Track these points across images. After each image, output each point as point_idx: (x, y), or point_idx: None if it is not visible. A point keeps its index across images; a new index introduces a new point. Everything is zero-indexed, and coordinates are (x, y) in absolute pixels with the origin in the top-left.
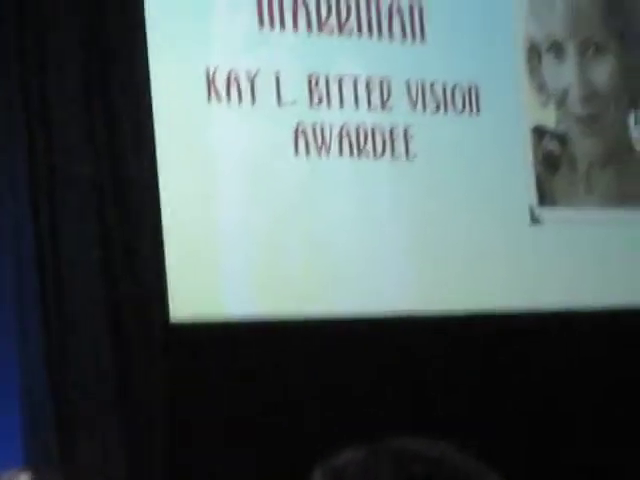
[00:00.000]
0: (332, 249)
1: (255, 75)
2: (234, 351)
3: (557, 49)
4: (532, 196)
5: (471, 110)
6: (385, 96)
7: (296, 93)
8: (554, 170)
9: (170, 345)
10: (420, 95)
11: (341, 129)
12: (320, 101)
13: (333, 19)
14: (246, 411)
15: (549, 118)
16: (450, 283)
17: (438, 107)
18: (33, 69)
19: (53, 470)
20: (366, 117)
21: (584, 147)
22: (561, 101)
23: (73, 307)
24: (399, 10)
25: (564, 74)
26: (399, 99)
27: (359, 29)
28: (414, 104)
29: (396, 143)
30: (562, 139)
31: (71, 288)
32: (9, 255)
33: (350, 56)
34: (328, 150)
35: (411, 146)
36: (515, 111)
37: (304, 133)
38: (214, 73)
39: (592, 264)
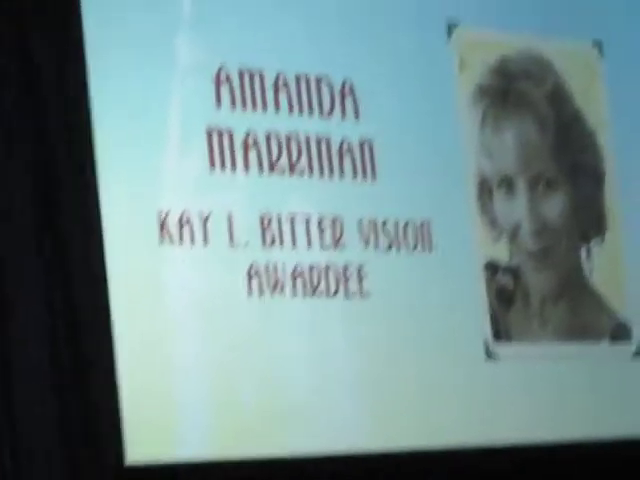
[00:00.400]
0: (287, 388)
1: (207, 217)
2: None
3: (508, 184)
4: (487, 331)
5: (424, 247)
6: (337, 235)
7: (249, 234)
8: (508, 305)
9: None
10: (372, 233)
11: (294, 269)
12: (273, 241)
13: (284, 160)
14: None
15: (502, 253)
16: (405, 420)
17: (391, 245)
18: None
19: None
20: (319, 256)
21: (537, 281)
22: (513, 236)
23: (28, 455)
24: (350, 149)
25: (515, 209)
26: (352, 237)
27: (310, 169)
28: (367, 242)
29: (350, 281)
30: (515, 274)
31: (23, 433)
32: None
33: (302, 196)
34: (282, 290)
35: (364, 284)
36: (468, 247)
37: (257, 273)
38: (166, 215)
39: (548, 398)
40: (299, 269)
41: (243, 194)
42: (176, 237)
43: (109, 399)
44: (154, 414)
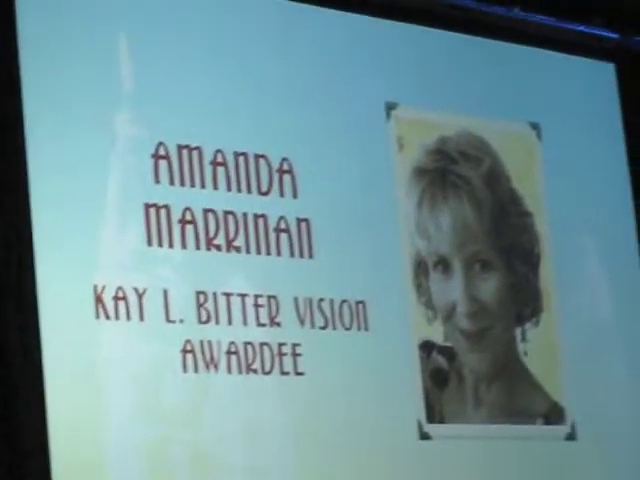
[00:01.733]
0: (221, 467)
1: (143, 292)
2: None
3: (444, 265)
4: (420, 411)
5: (359, 326)
6: (273, 313)
7: (184, 310)
8: (442, 385)
9: None
10: (308, 311)
11: (229, 346)
12: (208, 318)
13: (221, 236)
14: None
15: (436, 333)
16: None
17: (326, 323)
18: None
19: None
20: (254, 334)
21: (472, 362)
22: (448, 316)
23: None
24: (287, 227)
25: (451, 290)
26: (287, 316)
27: (247, 247)
28: (302, 321)
29: (284, 359)
30: (450, 354)
31: None
32: None
33: (238, 273)
34: (216, 367)
35: (299, 362)
36: (403, 326)
37: (192, 350)
38: (102, 290)
39: (482, 479)
40: (234, 346)
41: (179, 270)
42: (112, 312)
43: (41, 474)
44: None
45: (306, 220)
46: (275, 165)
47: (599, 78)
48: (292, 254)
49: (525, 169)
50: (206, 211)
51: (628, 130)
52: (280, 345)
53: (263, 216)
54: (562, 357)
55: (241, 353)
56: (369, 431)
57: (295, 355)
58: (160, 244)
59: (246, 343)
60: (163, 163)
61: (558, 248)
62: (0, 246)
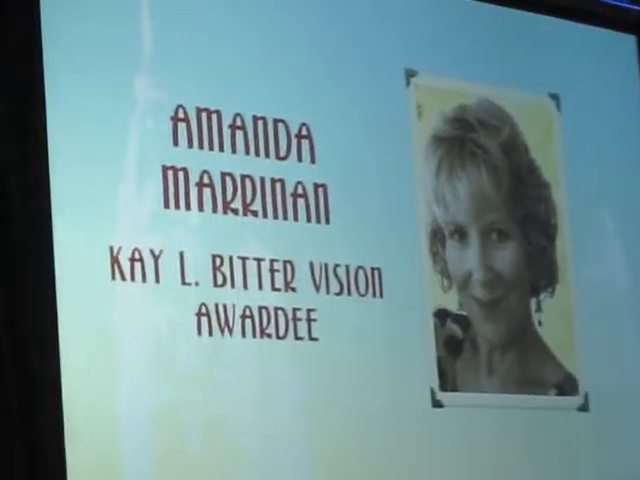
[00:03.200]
0: (232, 429)
1: (159, 254)
2: None
3: (460, 233)
4: (434, 379)
5: (374, 293)
6: (289, 278)
7: (200, 273)
8: (456, 353)
9: None
10: (324, 277)
11: (244, 310)
12: (224, 282)
13: (238, 201)
14: None
15: (451, 301)
16: (350, 464)
17: (341, 289)
18: None
19: None
20: (269, 298)
21: (486, 331)
22: (464, 285)
23: None
24: (304, 193)
25: (467, 259)
26: (303, 281)
27: (264, 211)
28: (317, 286)
29: (299, 324)
30: (464, 323)
31: None
32: None
33: (254, 237)
34: (231, 331)
35: (314, 328)
36: (418, 294)
37: (207, 313)
38: (118, 251)
39: (494, 448)
40: (248, 311)
41: (196, 233)
42: (128, 273)
43: (55, 433)
44: (98, 454)
45: (323, 186)
46: (294, 130)
47: (620, 50)
48: (309, 219)
49: (544, 140)
50: (224, 174)
51: None
52: (295, 310)
53: (280, 181)
54: (577, 328)
55: (256, 317)
56: (382, 398)
57: (310, 320)
58: (177, 206)
59: (261, 307)
60: (182, 126)
61: (575, 220)
62: (19, 207)
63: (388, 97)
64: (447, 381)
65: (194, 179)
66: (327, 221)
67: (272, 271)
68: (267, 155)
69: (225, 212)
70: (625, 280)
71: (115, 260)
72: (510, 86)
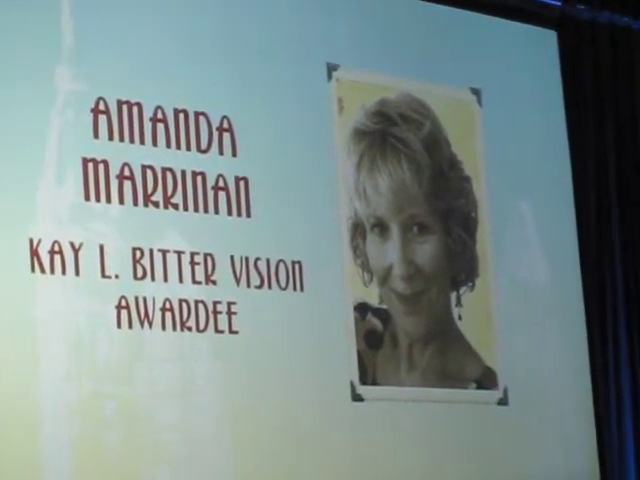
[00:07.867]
0: (152, 421)
1: (79, 247)
2: None
3: (381, 228)
4: (354, 373)
5: (295, 286)
6: (209, 271)
7: (120, 266)
8: (376, 346)
9: None
10: (244, 270)
11: (164, 302)
12: (144, 274)
13: (159, 194)
14: None
15: (372, 295)
16: (269, 458)
17: (262, 283)
18: None
19: None
20: (190, 291)
21: (406, 325)
22: (384, 279)
23: None
24: (225, 186)
25: (387, 253)
26: (223, 274)
27: (185, 204)
28: (238, 279)
29: (219, 318)
30: (385, 316)
31: None
32: None
33: (175, 230)
34: (151, 323)
35: (234, 321)
36: (338, 288)
37: (127, 306)
38: (38, 244)
39: (414, 442)
40: (169, 303)
41: (116, 226)
42: (47, 266)
43: None
44: (19, 447)
45: (245, 179)
46: (215, 123)
47: (541, 45)
48: (230, 212)
49: (465, 134)
50: (144, 167)
51: (568, 98)
52: (215, 303)
53: (202, 174)
54: (496, 322)
55: (176, 310)
56: (302, 391)
57: (230, 314)
58: (98, 199)
59: (181, 300)
60: (103, 118)
61: (496, 213)
62: None
63: (310, 91)
64: (367, 374)
65: (115, 172)
66: (248, 214)
67: (192, 264)
68: (188, 148)
69: (146, 205)
70: (544, 274)
71: (35, 253)
72: (432, 80)
